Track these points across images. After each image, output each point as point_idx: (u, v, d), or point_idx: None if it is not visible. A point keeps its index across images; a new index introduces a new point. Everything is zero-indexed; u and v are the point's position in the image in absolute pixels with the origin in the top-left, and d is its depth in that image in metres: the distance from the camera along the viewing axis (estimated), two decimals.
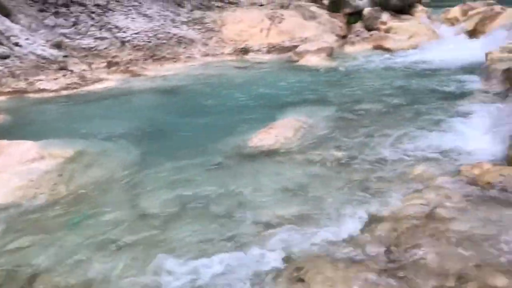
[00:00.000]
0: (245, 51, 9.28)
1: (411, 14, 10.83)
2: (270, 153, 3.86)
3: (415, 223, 2.45)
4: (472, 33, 9.22)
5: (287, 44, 9.53)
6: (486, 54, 6.27)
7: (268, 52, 9.36)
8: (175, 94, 6.41)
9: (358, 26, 10.48)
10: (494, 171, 2.82)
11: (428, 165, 3.32)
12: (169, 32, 9.45)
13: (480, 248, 2.17)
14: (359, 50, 9.00)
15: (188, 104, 5.89)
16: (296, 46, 9.13)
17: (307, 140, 4.12)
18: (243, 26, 9.97)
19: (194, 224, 2.82)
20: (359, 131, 4.30)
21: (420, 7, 11.03)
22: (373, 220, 2.61)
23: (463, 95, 5.26)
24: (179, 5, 10.87)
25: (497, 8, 9.47)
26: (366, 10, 10.45)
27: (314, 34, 10.03)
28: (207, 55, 9.09)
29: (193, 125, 4.92)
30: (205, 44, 9.46)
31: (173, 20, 10.02)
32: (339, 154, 3.76)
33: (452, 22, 10.31)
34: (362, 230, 2.52)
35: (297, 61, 8.27)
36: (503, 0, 10.79)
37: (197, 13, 10.56)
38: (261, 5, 12.12)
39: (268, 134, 4.18)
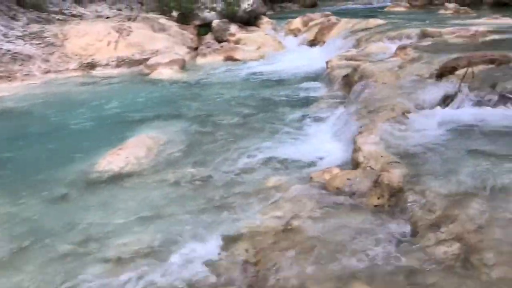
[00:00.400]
0: (91, 66, 8.73)
1: (257, 26, 11.30)
2: (120, 177, 3.58)
3: (273, 238, 2.42)
4: (313, 43, 9.90)
5: (137, 57, 9.20)
6: (327, 62, 6.72)
7: (117, 66, 8.93)
8: (12, 117, 5.72)
9: (209, 37, 10.58)
10: (341, 175, 2.93)
11: (282, 175, 3.37)
12: (1, 48, 8.45)
13: (337, 256, 2.20)
14: (211, 61, 9.05)
15: (27, 127, 5.27)
16: (147, 59, 8.85)
17: (161, 159, 3.93)
18: (89, 39, 9.37)
19: (30, 268, 2.44)
20: (215, 144, 4.23)
21: (265, 19, 11.55)
22: (232, 239, 2.52)
23: (309, 102, 5.52)
24: (13, 18, 9.84)
25: (333, 19, 10.32)
26: (215, 22, 10.60)
27: (165, 46, 9.84)
28: (48, 72, 8.33)
29: (33, 152, 4.40)
30: (46, 60, 8.66)
31: (5, 35, 8.99)
32: (195, 171, 3.64)
33: (295, 32, 10.98)
34: (220, 253, 2.41)
35: (149, 74, 8.01)
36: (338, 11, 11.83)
37: (35, 27, 9.65)
38: (107, 18, 11.57)
39: (117, 156, 3.88)
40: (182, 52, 9.57)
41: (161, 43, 9.81)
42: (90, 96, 6.59)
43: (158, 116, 5.31)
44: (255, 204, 2.97)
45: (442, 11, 11.16)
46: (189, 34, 10.93)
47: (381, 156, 3.03)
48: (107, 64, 8.84)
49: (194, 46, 10.36)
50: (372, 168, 2.92)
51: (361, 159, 3.08)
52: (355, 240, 2.32)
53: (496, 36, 6.27)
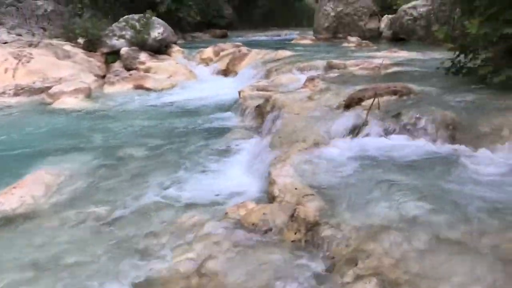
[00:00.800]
0: None
1: (168, 54, 11.14)
2: (13, 220, 3.19)
3: (185, 284, 2.24)
4: (225, 72, 9.94)
5: (38, 85, 8.58)
6: (239, 92, 6.72)
7: (16, 94, 8.25)
8: None
9: (117, 65, 10.22)
10: (257, 210, 2.84)
11: (195, 211, 3.19)
12: None
13: None
14: (119, 90, 8.69)
15: None
16: (49, 87, 8.29)
17: (63, 197, 3.58)
18: None
19: None
20: (122, 180, 3.96)
21: (176, 48, 11.44)
22: None
23: (222, 132, 5.43)
24: None
25: (244, 49, 10.46)
26: (124, 50, 10.28)
27: (70, 74, 9.32)
28: None
29: None
30: None
31: None
32: (99, 210, 3.34)
33: (207, 62, 10.97)
34: None
35: (51, 103, 7.48)
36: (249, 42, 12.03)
37: None
38: (5, 43, 10.78)
39: (11, 195, 3.47)
40: (88, 80, 9.11)
41: (65, 71, 9.28)
42: None
43: (60, 149, 4.91)
44: (166, 245, 2.76)
45: (345, 44, 11.77)
46: (96, 61, 10.49)
47: (296, 189, 2.99)
48: (3, 93, 8.13)
49: (102, 74, 9.93)
50: (288, 202, 2.86)
51: (276, 192, 3.02)
52: (273, 282, 2.21)
53: (396, 68, 6.67)
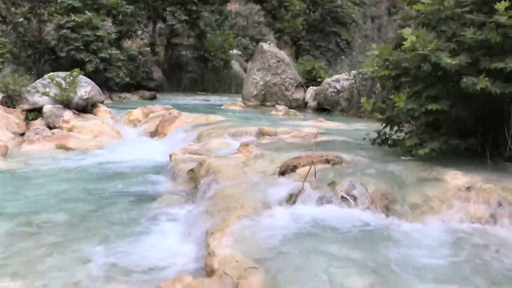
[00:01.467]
0: None
1: (94, 114, 10.77)
2: None
3: None
4: (155, 134, 9.72)
5: None
6: (170, 155, 6.55)
7: None
8: None
9: (38, 123, 9.68)
10: (194, 285, 2.64)
11: (124, 286, 2.92)
12: None
13: None
14: (39, 149, 8.14)
15: None
16: None
17: None
18: None
19: None
20: (40, 250, 3.55)
21: (103, 107, 11.12)
22: None
23: (153, 197, 5.18)
24: None
25: (175, 112, 10.37)
26: (47, 108, 9.80)
27: None
28: None
29: None
30: None
31: None
32: (17, 284, 2.96)
33: (135, 123, 10.71)
34: None
35: None
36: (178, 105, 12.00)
37: None
38: None
39: None
40: (5, 137, 8.50)
41: None
42: None
43: None
44: None
45: (273, 112, 12.10)
46: (15, 118, 9.87)
47: (237, 261, 2.83)
48: None
49: (21, 132, 9.33)
50: (229, 275, 2.69)
51: (215, 265, 2.84)
52: None
53: (325, 138, 6.87)
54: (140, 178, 6.23)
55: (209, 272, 2.89)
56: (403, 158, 5.11)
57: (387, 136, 5.85)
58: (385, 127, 5.74)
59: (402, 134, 5.83)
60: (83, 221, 4.34)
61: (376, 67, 5.25)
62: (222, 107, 14.00)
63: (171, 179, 5.89)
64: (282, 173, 4.73)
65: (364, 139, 6.03)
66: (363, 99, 5.92)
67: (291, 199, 4.10)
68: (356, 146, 6.19)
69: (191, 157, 6.32)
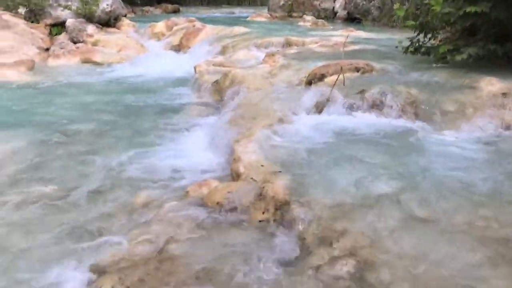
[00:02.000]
0: None
1: (117, 28, 10.58)
2: None
3: (144, 269, 2.03)
4: (179, 47, 9.55)
5: None
6: (195, 67, 6.44)
7: None
8: None
9: (63, 38, 9.58)
10: (221, 188, 2.64)
11: (153, 190, 2.96)
12: None
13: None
14: (65, 63, 8.15)
15: None
16: None
17: (5, 177, 3.22)
18: None
19: None
20: (70, 157, 3.63)
21: (126, 21, 10.88)
22: (97, 275, 2.06)
23: (178, 109, 5.16)
24: None
25: (198, 24, 10.10)
26: (70, 22, 9.64)
27: (11, 45, 8.64)
28: None
29: None
30: None
31: None
32: (45, 190, 3.03)
33: (159, 36, 10.52)
34: None
35: None
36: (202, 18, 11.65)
37: None
38: None
39: None
40: (31, 52, 8.49)
41: (5, 42, 8.58)
42: None
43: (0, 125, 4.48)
44: (122, 227, 2.53)
45: (301, 23, 11.63)
46: (39, 33, 9.78)
47: (262, 166, 2.82)
48: None
49: (46, 47, 9.27)
50: (254, 180, 2.69)
51: (241, 169, 2.83)
52: (241, 265, 2.04)
53: (355, 47, 6.59)
54: (165, 90, 6.20)
55: (235, 176, 2.89)
56: (436, 65, 4.87)
57: (420, 43, 5.55)
58: (418, 34, 5.43)
59: (436, 42, 5.53)
60: (111, 131, 4.38)
61: None
62: (248, 19, 13.55)
63: (196, 91, 5.83)
64: (309, 82, 4.59)
65: (396, 47, 5.75)
66: (396, 5, 5.55)
67: (318, 107, 4.00)
68: (388, 54, 5.93)
69: (215, 69, 6.19)
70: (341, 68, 4.28)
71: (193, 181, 3.02)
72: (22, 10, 10.37)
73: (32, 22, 10.12)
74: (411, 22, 5.23)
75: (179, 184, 3.07)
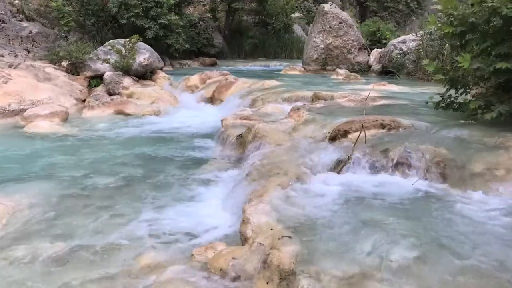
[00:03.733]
0: None
1: (153, 81, 10.88)
2: None
3: None
4: (211, 100, 9.68)
5: (14, 107, 8.22)
6: (222, 121, 6.44)
7: None
8: None
9: (99, 90, 9.92)
10: (226, 253, 2.50)
11: (159, 251, 2.86)
12: None
13: None
14: (99, 115, 8.36)
15: None
16: (25, 110, 7.95)
17: (12, 230, 3.21)
18: None
19: None
20: (85, 212, 3.60)
21: (161, 74, 11.19)
22: None
23: (201, 162, 5.12)
24: None
25: (231, 77, 10.23)
26: (107, 74, 10.01)
27: (49, 97, 8.99)
28: None
29: None
30: None
31: None
32: (56, 246, 2.98)
33: (192, 89, 10.71)
34: None
35: (24, 126, 7.12)
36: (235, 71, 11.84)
37: None
38: None
39: None
40: (68, 104, 8.80)
41: (44, 93, 8.95)
42: None
43: (20, 176, 4.53)
44: None
45: (334, 76, 11.63)
46: (78, 85, 10.20)
47: (271, 230, 2.66)
48: None
49: (83, 98, 9.63)
50: (261, 244, 2.53)
51: (249, 233, 2.69)
52: None
53: (385, 101, 6.46)
54: (192, 143, 6.21)
55: (243, 240, 2.75)
56: (465, 122, 4.66)
57: (452, 99, 5.37)
58: (448, 89, 5.26)
59: (468, 97, 5.33)
60: (131, 185, 4.35)
61: (439, 24, 4.77)
62: (281, 72, 13.68)
63: (220, 144, 5.80)
64: (333, 138, 4.47)
65: (427, 102, 5.58)
66: (425, 61, 5.43)
67: (339, 166, 3.85)
68: (418, 110, 5.75)
69: (241, 122, 6.17)
70: (362, 125, 4.14)
71: (201, 243, 2.90)
72: (65, 63, 10.89)
73: (73, 74, 10.58)
74: (440, 76, 5.08)
75: (186, 245, 2.96)
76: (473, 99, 5.13)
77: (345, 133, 4.43)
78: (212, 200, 3.80)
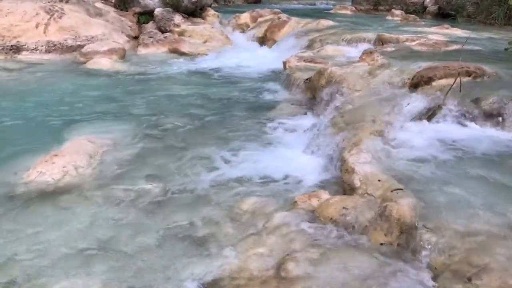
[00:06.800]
0: (17, 49, 7.65)
1: (203, 18, 10.63)
2: (55, 193, 2.86)
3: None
4: (263, 40, 9.43)
5: (70, 42, 8.22)
6: (284, 63, 6.27)
7: (48, 51, 7.92)
8: None
9: (150, 26, 9.78)
10: (335, 202, 2.46)
11: (257, 195, 2.84)
12: None
13: None
14: (154, 52, 8.29)
15: None
16: (82, 46, 7.94)
17: (107, 169, 3.25)
18: (13, 19, 8.23)
19: None
20: (171, 153, 3.61)
21: (211, 11, 10.91)
22: None
23: (270, 106, 5.03)
24: None
25: (283, 16, 9.89)
26: (158, 11, 9.81)
27: (102, 32, 8.93)
28: None
29: None
30: None
31: None
32: (150, 186, 3.01)
33: (243, 28, 10.45)
34: None
35: (85, 63, 7.12)
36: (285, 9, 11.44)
37: None
38: None
39: (51, 164, 3.13)
40: (121, 40, 8.72)
41: (97, 29, 8.88)
42: (14, 86, 5.66)
43: (98, 115, 4.57)
44: (231, 235, 2.42)
45: (389, 18, 11.10)
46: (128, 21, 10.06)
47: (379, 180, 2.60)
48: (35, 49, 7.81)
49: (134, 35, 9.52)
50: (371, 195, 2.48)
51: (357, 183, 2.63)
52: None
53: (456, 46, 6.12)
54: (253, 85, 6.10)
55: (348, 189, 2.70)
56: None
57: None
58: None
59: None
60: (205, 127, 4.33)
61: None
62: (331, 11, 13.17)
63: (286, 87, 5.67)
64: (415, 85, 4.27)
65: (506, 49, 5.26)
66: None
67: (429, 115, 3.69)
68: (495, 57, 5.43)
69: (306, 65, 5.99)
70: (459, 73, 3.93)
71: (296, 188, 2.87)
72: None
73: (121, 10, 10.41)
74: None
75: (282, 190, 2.94)
76: None
77: (429, 80, 4.22)
78: (295, 145, 3.75)
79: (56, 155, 3.25)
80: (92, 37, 8.57)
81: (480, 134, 3.42)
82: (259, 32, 9.75)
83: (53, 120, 4.37)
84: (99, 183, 3.02)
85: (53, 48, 7.92)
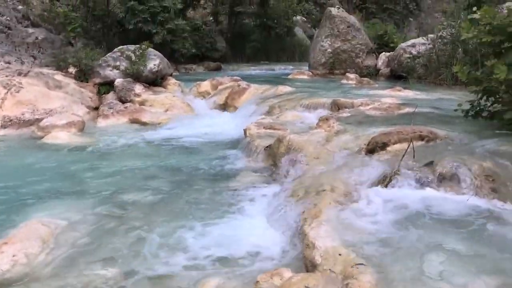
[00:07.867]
0: None
1: (163, 87, 10.77)
2: (3, 285, 2.69)
3: None
4: (224, 107, 9.59)
5: (28, 117, 8.11)
6: (245, 130, 6.35)
7: (3, 126, 7.76)
8: None
9: (111, 97, 9.80)
10: (297, 281, 2.40)
11: (220, 276, 2.75)
12: None
13: None
14: (114, 123, 8.25)
15: None
16: (40, 120, 7.83)
17: (61, 254, 3.09)
18: None
19: None
20: (129, 232, 3.49)
21: (172, 80, 11.09)
22: None
23: (231, 175, 5.03)
24: None
25: (243, 83, 10.14)
26: (118, 81, 9.89)
27: (61, 105, 8.88)
28: None
29: None
30: None
31: None
32: (105, 272, 2.87)
33: (204, 95, 10.61)
34: None
35: (42, 137, 6.99)
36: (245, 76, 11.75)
37: None
38: None
39: (0, 253, 2.97)
40: (81, 112, 8.68)
41: (57, 102, 8.83)
42: None
43: (53, 193, 4.43)
44: None
45: (344, 81, 11.54)
46: (88, 92, 10.06)
47: (340, 255, 2.58)
48: None
49: (95, 106, 9.50)
50: (333, 272, 2.45)
51: (318, 259, 2.60)
52: None
53: (409, 109, 6.38)
54: (215, 153, 6.11)
55: (309, 266, 2.66)
56: (501, 132, 4.60)
57: (481, 107, 5.31)
58: (480, 98, 5.20)
59: (499, 106, 5.26)
60: (165, 201, 4.25)
61: (476, 33, 4.70)
62: (289, 76, 13.59)
63: (247, 155, 5.70)
64: (371, 150, 4.39)
65: (456, 110, 5.52)
66: (456, 67, 5.34)
67: (385, 181, 3.76)
68: (446, 118, 5.68)
69: (266, 131, 6.09)
70: (411, 139, 4.07)
71: (261, 266, 2.81)
72: (72, 69, 10.74)
73: (81, 81, 10.43)
74: (474, 88, 5.03)
75: (244, 268, 2.87)
76: (505, 108, 5.07)
77: (384, 145, 4.36)
78: (256, 217, 3.71)
79: (6, 243, 3.08)
80: (51, 110, 8.49)
81: (436, 198, 3.48)
82: (220, 99, 9.91)
83: (4, 202, 4.19)
84: (52, 271, 2.87)
85: (9, 123, 7.77)
